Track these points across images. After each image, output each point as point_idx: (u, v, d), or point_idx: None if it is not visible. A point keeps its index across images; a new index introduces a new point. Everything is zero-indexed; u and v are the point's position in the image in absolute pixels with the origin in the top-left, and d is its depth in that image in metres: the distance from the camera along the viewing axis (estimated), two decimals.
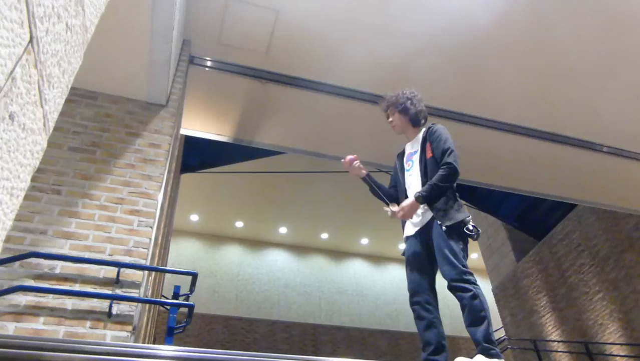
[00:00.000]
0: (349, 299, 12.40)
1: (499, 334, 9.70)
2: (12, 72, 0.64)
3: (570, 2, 4.02)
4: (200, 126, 5.05)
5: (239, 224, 12.13)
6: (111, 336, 2.41)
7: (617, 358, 7.49)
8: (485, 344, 2.06)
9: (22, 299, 2.39)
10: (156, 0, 2.82)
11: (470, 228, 2.29)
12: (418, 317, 2.31)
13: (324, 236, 12.68)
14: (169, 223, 5.83)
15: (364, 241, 12.81)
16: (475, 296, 2.13)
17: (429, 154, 2.46)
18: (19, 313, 2.36)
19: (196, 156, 7.79)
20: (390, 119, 2.65)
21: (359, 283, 12.77)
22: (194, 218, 11.75)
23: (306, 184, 10.04)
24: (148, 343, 3.94)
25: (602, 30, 4.24)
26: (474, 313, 2.12)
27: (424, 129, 2.63)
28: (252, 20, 4.02)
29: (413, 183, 2.52)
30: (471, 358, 2.07)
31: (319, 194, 10.31)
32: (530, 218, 9.90)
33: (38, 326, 2.35)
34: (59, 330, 2.37)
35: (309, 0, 3.91)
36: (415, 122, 2.63)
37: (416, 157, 2.54)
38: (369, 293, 12.61)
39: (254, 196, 10.91)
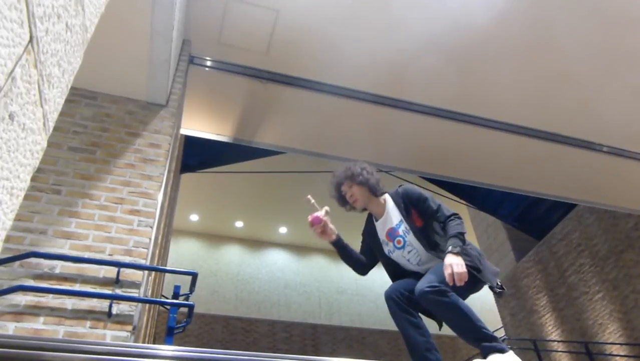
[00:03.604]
0: (349, 299, 12.40)
1: (499, 334, 9.70)
2: (12, 72, 0.64)
3: (570, 2, 4.02)
4: (200, 126, 5.05)
5: (239, 224, 12.13)
6: (111, 336, 2.41)
7: (617, 358, 7.49)
8: (484, 344, 2.02)
9: (22, 299, 2.39)
10: (156, 0, 2.82)
11: (499, 284, 2.24)
12: (398, 317, 2.22)
13: None
14: (169, 223, 5.83)
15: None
16: (448, 293, 2.04)
17: (418, 223, 2.31)
18: (19, 313, 2.36)
19: (196, 156, 7.79)
20: (350, 195, 2.42)
21: (359, 282, 12.77)
22: (194, 218, 11.75)
23: (306, 184, 10.02)
24: (148, 343, 3.94)
25: (602, 30, 4.24)
26: (454, 312, 2.05)
27: (388, 197, 2.45)
28: (252, 20, 4.02)
29: (422, 256, 2.32)
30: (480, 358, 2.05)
31: (319, 194, 10.29)
32: (530, 217, 9.90)
33: (38, 326, 2.35)
34: (59, 330, 2.37)
35: (309, 0, 3.91)
36: (377, 191, 2.41)
37: (404, 230, 2.34)
38: (368, 292, 12.61)
39: (254, 196, 10.91)
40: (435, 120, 4.99)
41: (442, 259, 2.14)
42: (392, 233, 2.39)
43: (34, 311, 2.39)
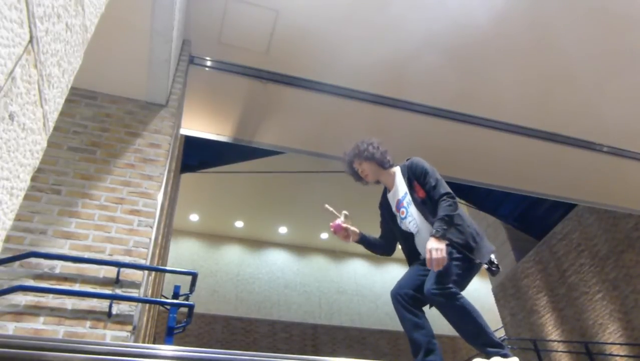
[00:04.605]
0: (349, 299, 12.40)
1: (499, 334, 9.70)
2: (12, 72, 0.64)
3: (570, 2, 4.02)
4: (200, 126, 5.04)
5: (239, 224, 12.13)
6: (111, 336, 2.41)
7: (617, 358, 7.49)
8: (492, 350, 2.02)
9: (22, 299, 2.39)
10: (156, 0, 2.82)
11: (494, 262, 2.26)
12: (402, 317, 2.25)
13: (324, 236, 12.68)
14: (169, 223, 5.83)
15: None
16: (457, 299, 2.06)
17: (420, 194, 2.37)
18: (19, 313, 2.36)
19: (196, 156, 7.78)
20: (361, 170, 2.56)
21: (359, 282, 12.77)
22: (194, 217, 11.75)
23: (306, 184, 10.04)
24: (148, 343, 3.94)
25: (602, 30, 4.24)
26: (462, 315, 2.06)
27: (398, 169, 2.56)
28: (252, 20, 4.02)
29: (422, 228, 2.38)
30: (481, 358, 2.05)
31: (319, 194, 10.31)
32: (530, 217, 9.90)
33: (38, 326, 2.35)
34: (59, 330, 2.37)
35: (309, 0, 3.91)
36: (384, 164, 2.53)
37: (408, 201, 2.43)
38: (368, 292, 12.60)
39: (254, 196, 10.91)
40: (435, 120, 4.98)
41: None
42: (399, 205, 2.49)
43: (34, 311, 2.39)
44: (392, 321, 12.03)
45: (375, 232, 2.69)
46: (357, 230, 2.53)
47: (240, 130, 5.09)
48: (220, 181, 10.01)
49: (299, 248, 12.91)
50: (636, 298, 7.45)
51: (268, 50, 4.29)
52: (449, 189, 2.30)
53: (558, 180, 6.04)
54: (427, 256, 2.09)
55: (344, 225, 2.49)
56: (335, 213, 2.52)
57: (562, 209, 9.27)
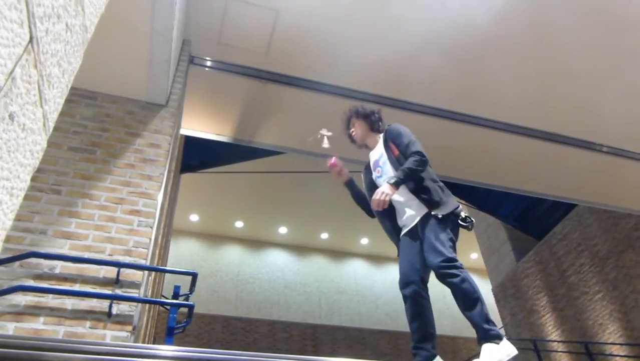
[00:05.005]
0: (349, 299, 12.40)
1: None
2: (12, 72, 0.64)
3: (570, 2, 4.02)
4: (200, 126, 5.04)
5: (239, 224, 12.13)
6: (111, 336, 2.41)
7: (617, 358, 7.49)
8: (485, 326, 2.09)
9: (22, 299, 2.39)
10: (156, 0, 2.82)
11: (464, 217, 2.33)
12: (408, 309, 2.33)
13: (324, 236, 12.68)
14: (169, 223, 5.83)
15: (364, 241, 12.82)
16: (464, 280, 2.15)
17: (395, 153, 2.50)
18: (19, 313, 2.36)
19: (196, 156, 7.79)
20: (352, 130, 2.74)
21: (359, 283, 12.77)
22: (194, 218, 11.75)
23: (306, 184, 10.03)
24: (148, 343, 3.94)
25: (602, 29, 4.24)
26: (467, 297, 2.15)
27: (382, 134, 2.70)
28: (252, 20, 4.02)
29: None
30: (477, 355, 2.07)
31: (319, 194, 10.31)
32: (530, 217, 9.90)
33: (38, 326, 2.35)
34: (59, 330, 2.37)
35: (309, 0, 3.91)
36: (375, 126, 2.71)
37: (383, 160, 2.57)
38: (368, 293, 12.60)
39: (254, 196, 10.91)
40: (435, 120, 4.98)
41: (409, 190, 2.37)
42: (376, 163, 2.65)
43: (34, 311, 2.39)
44: (392, 321, 12.04)
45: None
46: (348, 175, 2.69)
47: (240, 130, 5.09)
48: (220, 181, 10.01)
49: (299, 248, 12.91)
50: (636, 298, 7.45)
51: (268, 51, 4.29)
52: (419, 148, 2.41)
53: (558, 180, 6.04)
54: (374, 196, 2.27)
55: (341, 164, 2.66)
56: (327, 139, 2.74)
57: (562, 209, 9.27)
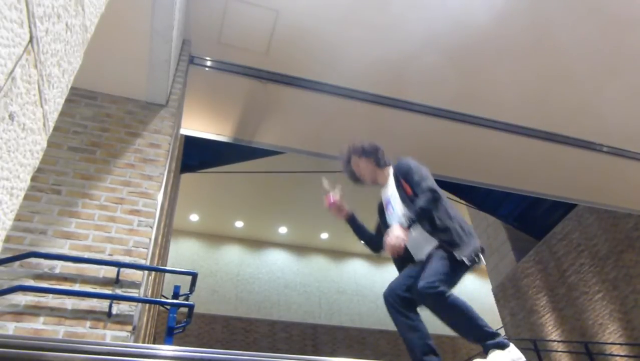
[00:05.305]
0: (349, 299, 12.40)
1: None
2: (12, 72, 0.64)
3: (570, 2, 4.02)
4: (200, 126, 5.04)
5: (239, 224, 12.13)
6: (111, 336, 2.41)
7: (617, 358, 7.49)
8: (488, 342, 2.02)
9: (22, 299, 2.39)
10: (156, 0, 2.82)
11: (476, 259, 2.20)
12: (395, 320, 2.25)
13: (324, 236, 12.68)
14: (169, 223, 5.83)
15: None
16: (446, 295, 2.04)
17: (407, 191, 2.35)
18: (19, 313, 2.36)
19: (196, 156, 7.79)
20: (357, 169, 2.57)
21: (359, 282, 12.77)
22: (194, 218, 11.75)
23: (306, 184, 10.03)
24: (148, 343, 3.94)
25: (602, 30, 4.24)
26: (451, 314, 2.05)
27: (391, 170, 2.55)
28: (252, 20, 4.02)
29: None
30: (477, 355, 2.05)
31: (319, 194, 10.29)
32: (530, 217, 9.90)
33: (38, 326, 2.35)
34: (59, 330, 2.37)
35: (309, 0, 3.91)
36: (381, 162, 2.56)
37: (395, 198, 2.43)
38: (368, 293, 12.61)
39: (254, 196, 10.91)
40: (435, 120, 4.98)
41: (426, 231, 2.24)
42: (387, 202, 2.52)
43: (34, 311, 2.39)
44: (392, 322, 12.02)
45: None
46: (349, 210, 2.57)
47: (240, 130, 5.10)
48: (220, 181, 10.01)
49: (299, 248, 12.91)
50: (636, 298, 7.45)
51: (268, 51, 4.29)
52: (432, 185, 2.28)
53: (558, 180, 6.04)
54: (386, 239, 2.13)
55: (339, 201, 2.54)
56: (331, 189, 2.57)
57: (562, 209, 9.27)
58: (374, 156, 2.54)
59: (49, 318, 2.38)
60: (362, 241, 2.62)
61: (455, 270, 2.20)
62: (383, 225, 2.53)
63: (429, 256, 2.24)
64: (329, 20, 4.04)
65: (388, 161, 2.59)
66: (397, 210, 2.40)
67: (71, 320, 2.41)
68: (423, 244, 2.31)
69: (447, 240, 2.20)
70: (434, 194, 2.24)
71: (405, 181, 2.39)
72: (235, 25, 4.07)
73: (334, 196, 2.54)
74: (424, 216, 2.21)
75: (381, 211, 2.58)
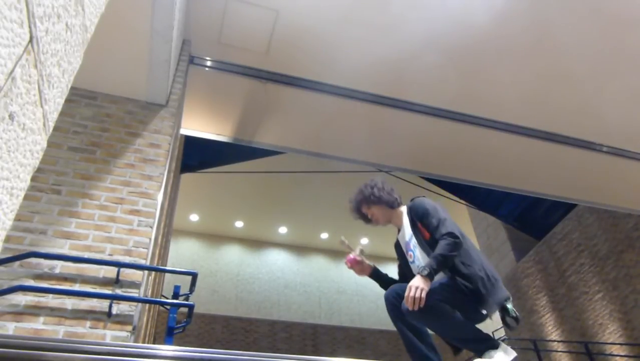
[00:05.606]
0: (349, 299, 12.40)
1: (499, 334, 9.71)
2: (12, 72, 0.64)
3: (570, 2, 4.02)
4: (200, 126, 5.05)
5: (239, 224, 12.13)
6: (111, 336, 2.41)
7: (617, 358, 7.49)
8: (481, 345, 2.03)
9: (22, 299, 2.39)
10: (156, 0, 2.82)
11: (511, 312, 2.08)
12: (394, 319, 2.23)
13: (324, 236, 12.68)
14: (169, 223, 5.83)
15: (364, 240, 12.82)
16: (429, 307, 2.00)
17: (426, 236, 2.26)
18: (19, 313, 2.36)
19: (196, 156, 7.79)
20: (370, 215, 2.49)
21: (359, 282, 12.77)
22: (194, 218, 11.75)
23: (306, 184, 10.04)
24: (148, 343, 3.94)
25: (602, 30, 4.24)
26: (437, 324, 2.05)
27: (405, 208, 2.48)
28: (252, 20, 4.02)
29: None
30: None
31: (319, 194, 10.31)
32: (530, 217, 9.90)
33: (38, 326, 2.35)
34: (59, 330, 2.37)
35: (308, 0, 3.91)
36: (392, 204, 2.47)
37: (414, 244, 2.34)
38: (368, 293, 12.61)
39: (254, 196, 10.91)
40: (435, 120, 4.98)
41: (447, 277, 2.14)
42: (407, 247, 2.42)
43: (34, 311, 2.38)
44: (392, 321, 12.03)
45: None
46: (371, 264, 2.50)
47: (240, 130, 5.09)
48: (220, 181, 10.01)
49: (299, 248, 12.91)
50: (636, 298, 7.45)
51: (268, 51, 4.29)
52: (451, 229, 2.15)
53: (558, 180, 6.04)
54: (406, 292, 2.00)
55: (359, 258, 2.48)
56: (350, 247, 2.50)
57: (562, 209, 9.27)
58: (385, 201, 2.45)
59: (49, 318, 2.38)
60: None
61: (472, 311, 2.12)
62: (405, 269, 2.45)
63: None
64: (329, 20, 4.04)
65: (400, 200, 2.51)
66: (417, 256, 2.31)
67: (71, 320, 2.41)
68: (435, 280, 2.20)
69: (472, 289, 2.07)
70: (455, 240, 2.11)
71: (422, 224, 2.30)
72: (235, 25, 4.07)
73: (355, 255, 2.49)
74: (445, 264, 2.10)
75: (400, 253, 2.50)
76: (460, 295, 2.07)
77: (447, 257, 2.08)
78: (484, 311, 2.07)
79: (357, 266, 2.47)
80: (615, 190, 6.25)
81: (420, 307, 1.98)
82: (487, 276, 2.12)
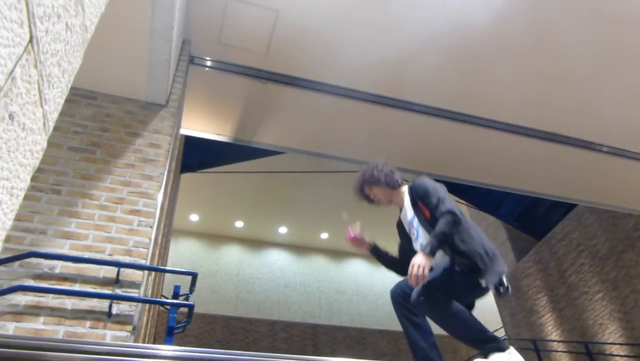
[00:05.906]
0: (349, 299, 12.40)
1: (499, 334, 9.71)
2: (12, 72, 0.64)
3: (570, 2, 4.02)
4: (200, 126, 5.05)
5: (239, 224, 12.13)
6: (111, 336, 2.41)
7: (617, 358, 7.49)
8: (488, 345, 2.03)
9: (22, 299, 2.39)
10: (156, 0, 2.82)
11: (503, 283, 2.16)
12: (400, 316, 2.25)
13: (324, 236, 12.68)
14: (169, 222, 5.83)
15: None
16: (438, 302, 2.05)
17: (426, 214, 2.32)
18: (19, 313, 2.36)
19: (196, 156, 7.79)
20: (372, 195, 2.56)
21: (359, 282, 12.77)
22: (194, 217, 11.75)
23: (306, 184, 10.03)
24: (148, 343, 3.94)
25: (602, 30, 4.24)
26: (447, 320, 2.05)
27: (406, 188, 2.54)
28: (252, 20, 4.02)
29: None
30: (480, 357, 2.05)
31: (319, 194, 10.31)
32: (530, 217, 9.90)
33: (38, 326, 2.35)
34: (59, 330, 2.37)
35: (309, 0, 3.91)
36: (393, 184, 2.53)
37: (416, 223, 2.40)
38: (368, 292, 12.61)
39: (254, 196, 10.91)
40: (435, 120, 4.99)
41: (447, 255, 2.19)
42: (410, 226, 2.47)
43: (34, 311, 2.39)
44: (392, 321, 12.03)
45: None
46: (370, 241, 2.56)
47: (240, 130, 5.10)
48: (220, 181, 10.01)
49: (299, 248, 12.91)
50: (636, 298, 7.45)
51: (268, 51, 4.29)
52: (450, 207, 2.22)
53: (558, 180, 6.04)
54: (409, 270, 2.05)
55: (360, 235, 2.53)
56: (351, 223, 2.56)
57: (562, 209, 9.27)
58: (385, 181, 2.52)
59: (49, 318, 2.38)
60: (388, 268, 2.60)
61: (471, 290, 2.18)
62: (408, 248, 2.49)
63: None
64: (329, 20, 4.04)
65: (401, 180, 2.57)
66: (420, 234, 2.36)
67: (71, 320, 2.41)
68: (438, 261, 2.26)
69: (470, 265, 2.13)
70: (454, 217, 2.17)
71: (423, 203, 2.35)
72: (235, 25, 4.07)
73: (354, 230, 2.54)
74: (445, 241, 2.15)
75: (402, 232, 2.55)
76: (460, 276, 2.12)
77: (447, 234, 2.14)
78: (483, 283, 2.13)
79: (356, 241, 2.54)
80: (615, 190, 6.25)
81: (428, 301, 2.03)
82: (486, 252, 2.20)
